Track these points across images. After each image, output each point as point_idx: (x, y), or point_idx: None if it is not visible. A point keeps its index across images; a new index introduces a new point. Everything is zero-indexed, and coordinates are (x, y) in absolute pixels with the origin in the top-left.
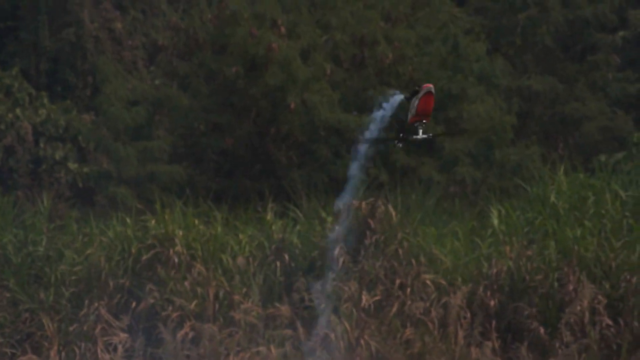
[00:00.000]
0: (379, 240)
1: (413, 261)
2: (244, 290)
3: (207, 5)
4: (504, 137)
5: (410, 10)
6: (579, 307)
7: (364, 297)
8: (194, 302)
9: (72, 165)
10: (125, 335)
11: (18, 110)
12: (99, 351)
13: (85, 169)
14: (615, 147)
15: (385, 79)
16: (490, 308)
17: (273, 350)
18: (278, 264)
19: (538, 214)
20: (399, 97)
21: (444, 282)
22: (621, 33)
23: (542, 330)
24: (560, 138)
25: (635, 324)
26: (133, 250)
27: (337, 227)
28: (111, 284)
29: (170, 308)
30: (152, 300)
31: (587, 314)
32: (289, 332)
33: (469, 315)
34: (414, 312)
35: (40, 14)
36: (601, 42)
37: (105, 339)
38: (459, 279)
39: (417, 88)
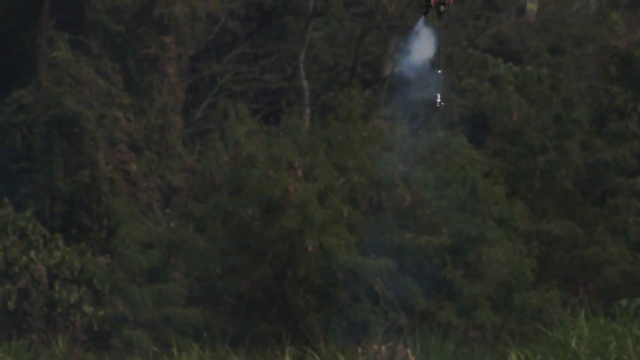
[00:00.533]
0: None
1: None
2: None
3: (222, 147)
4: (524, 281)
5: (428, 152)
6: None
7: None
8: None
9: (88, 309)
10: None
11: (32, 253)
12: None
13: (101, 312)
14: (637, 291)
15: (403, 222)
16: None
17: None
18: None
19: (559, 359)
20: None
21: None
22: None
23: None
24: (581, 282)
25: None
26: None
27: None
28: None
29: None
30: None
31: None
32: None
33: None
34: None
35: (54, 156)
36: (621, 186)
37: None
38: None
39: None
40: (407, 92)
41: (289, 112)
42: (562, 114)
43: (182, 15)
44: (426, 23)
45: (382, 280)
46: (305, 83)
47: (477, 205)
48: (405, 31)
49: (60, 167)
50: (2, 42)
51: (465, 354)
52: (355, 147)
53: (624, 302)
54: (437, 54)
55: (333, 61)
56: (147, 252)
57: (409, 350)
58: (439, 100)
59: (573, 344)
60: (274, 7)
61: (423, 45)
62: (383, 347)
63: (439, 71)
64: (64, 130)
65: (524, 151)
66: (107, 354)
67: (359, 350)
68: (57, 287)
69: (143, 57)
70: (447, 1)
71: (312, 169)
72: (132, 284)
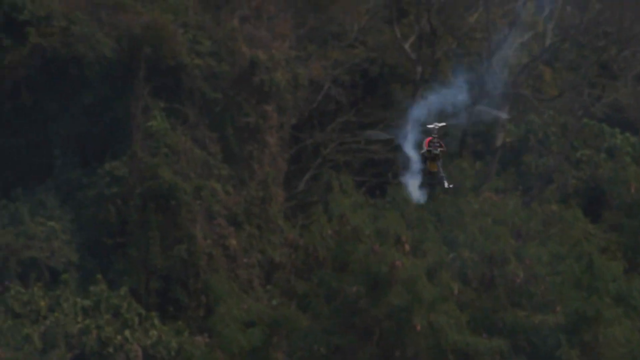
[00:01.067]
0: None
1: None
2: None
3: (326, 220)
4: None
5: (541, 226)
6: None
7: None
8: None
9: None
10: None
11: (127, 332)
12: None
13: None
14: None
15: (516, 299)
16: None
17: None
18: None
19: None
20: None
21: None
22: None
23: None
24: None
25: None
26: None
27: None
28: None
29: None
30: None
31: None
32: None
33: None
34: None
35: (150, 230)
36: None
37: None
38: None
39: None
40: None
41: (395, 184)
42: None
43: (283, 82)
44: None
45: None
46: (412, 153)
47: (593, 281)
48: (518, 99)
49: (156, 242)
50: (96, 110)
51: None
52: (465, 220)
53: None
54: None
55: (442, 131)
56: (248, 331)
57: None
58: (447, 184)
59: None
60: (380, 74)
61: None
62: None
63: (451, 185)
64: (160, 203)
65: None
66: None
67: None
68: None
69: (242, 126)
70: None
71: (420, 243)
72: None
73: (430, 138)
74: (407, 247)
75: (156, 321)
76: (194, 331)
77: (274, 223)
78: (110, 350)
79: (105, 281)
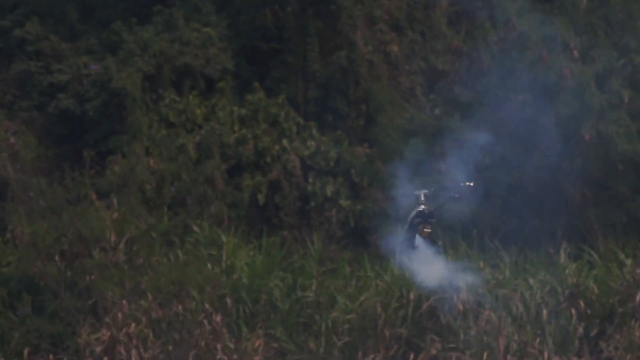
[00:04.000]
0: None
1: None
2: (537, 340)
3: (491, 27)
4: None
5: None
6: None
7: None
8: (484, 354)
9: (344, 202)
10: None
11: (285, 142)
12: None
13: (359, 207)
14: None
15: None
16: None
17: None
18: (573, 311)
19: None
20: None
21: None
22: None
23: None
24: None
25: None
26: (412, 297)
27: (638, 270)
28: (388, 333)
29: None
30: (434, 352)
31: None
32: None
33: None
34: None
35: (309, 36)
36: None
37: None
38: None
39: None
40: None
41: None
42: None
43: None
44: None
45: None
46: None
47: None
48: None
49: (315, 49)
50: None
51: None
52: (637, 25)
53: None
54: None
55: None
56: (410, 142)
57: None
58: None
59: None
60: None
61: None
62: None
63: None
64: (318, 8)
65: None
66: (365, 251)
67: None
68: (311, 180)
69: None
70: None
71: (589, 49)
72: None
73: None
74: (575, 53)
75: (314, 131)
76: (354, 141)
77: (437, 29)
78: (268, 160)
79: (262, 89)
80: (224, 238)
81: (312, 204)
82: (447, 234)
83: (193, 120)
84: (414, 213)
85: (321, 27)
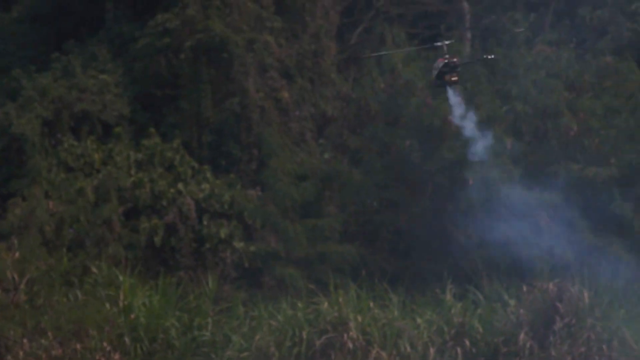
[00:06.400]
0: (568, 325)
1: (604, 347)
2: None
3: (379, 74)
4: None
5: (595, 79)
6: None
7: None
8: None
9: (238, 244)
10: None
11: (180, 185)
12: None
13: (252, 248)
14: None
15: (569, 152)
16: None
17: None
18: (459, 350)
19: None
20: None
21: None
22: None
23: None
24: None
25: None
26: (304, 335)
27: (521, 311)
28: None
29: None
30: None
31: None
32: None
33: None
34: None
35: (202, 83)
36: None
37: None
38: None
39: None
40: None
41: (448, 36)
42: None
43: None
44: None
45: (547, 214)
46: (466, 5)
47: None
48: None
49: (208, 95)
50: None
51: (637, 292)
52: (519, 73)
53: None
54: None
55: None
56: (300, 185)
57: (579, 288)
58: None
59: None
60: None
61: None
62: (550, 285)
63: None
64: (211, 56)
65: None
66: (258, 292)
67: (524, 288)
68: (205, 222)
69: None
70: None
71: (473, 97)
72: (285, 219)
73: (441, 59)
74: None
75: (209, 174)
76: (247, 184)
77: (326, 76)
78: (164, 203)
79: (158, 134)
80: (121, 278)
81: (207, 245)
82: (337, 276)
83: (91, 164)
84: (440, 64)
85: (214, 75)
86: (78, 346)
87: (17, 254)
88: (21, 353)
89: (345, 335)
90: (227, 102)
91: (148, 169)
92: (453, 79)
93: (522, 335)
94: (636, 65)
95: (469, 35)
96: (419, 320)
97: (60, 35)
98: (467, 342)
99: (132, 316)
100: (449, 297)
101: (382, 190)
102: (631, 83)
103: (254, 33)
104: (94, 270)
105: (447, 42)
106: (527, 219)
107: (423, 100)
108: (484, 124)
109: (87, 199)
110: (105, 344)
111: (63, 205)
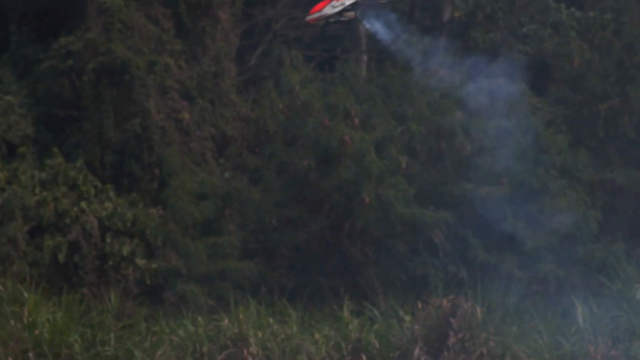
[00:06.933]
0: (462, 340)
1: None
2: None
3: (277, 95)
4: (588, 233)
5: (488, 100)
6: None
7: None
8: None
9: (140, 261)
10: None
11: (83, 204)
12: None
13: (154, 265)
14: None
15: (463, 172)
16: None
17: None
18: None
19: (624, 312)
20: None
21: None
22: None
23: None
24: None
25: None
26: (205, 351)
27: (416, 326)
28: None
29: None
30: None
31: None
32: None
33: None
34: None
35: (104, 104)
36: None
37: None
38: None
39: None
40: (467, 38)
41: (345, 59)
42: (624, 59)
43: None
44: None
45: (441, 232)
46: (362, 29)
47: (539, 154)
48: None
49: (110, 116)
50: None
51: (528, 308)
52: (413, 94)
53: None
54: None
55: (390, 6)
56: (201, 204)
57: (472, 304)
58: None
59: (638, 297)
60: None
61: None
62: (444, 301)
63: None
64: (113, 78)
65: (586, 98)
66: (160, 308)
67: (419, 304)
68: (108, 240)
69: (195, 2)
70: None
71: (369, 117)
72: (186, 237)
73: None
74: (356, 121)
75: (111, 193)
76: (148, 203)
77: (226, 97)
78: (67, 221)
79: (61, 154)
80: (26, 295)
81: (110, 262)
82: (237, 292)
83: None
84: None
85: (116, 96)
86: None
87: None
88: None
89: (246, 351)
90: (128, 123)
91: (52, 187)
92: (350, 14)
93: (417, 350)
94: (527, 87)
95: (365, 57)
96: (317, 336)
97: None
98: (364, 357)
99: (37, 332)
100: (346, 313)
101: (281, 209)
102: (522, 104)
103: (154, 55)
104: None
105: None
106: (421, 237)
107: (320, 121)
108: (379, 143)
109: None
110: (10, 359)
111: None
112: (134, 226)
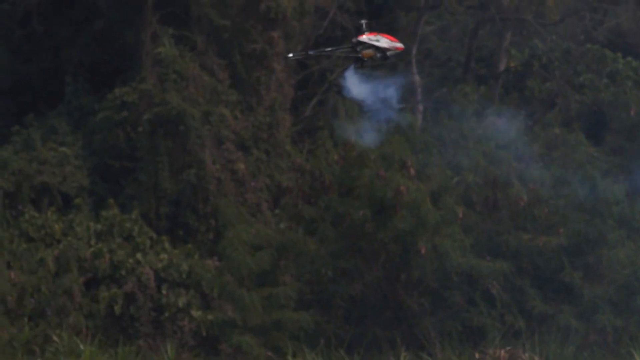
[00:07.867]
0: None
1: None
2: None
3: (332, 145)
4: None
5: (545, 149)
6: None
7: None
8: None
9: (196, 313)
10: None
11: (139, 255)
12: None
13: (209, 317)
14: None
15: (519, 222)
16: None
17: None
18: None
19: None
20: None
21: None
22: None
23: None
24: None
25: None
26: None
27: None
28: None
29: None
30: None
31: None
32: None
33: None
34: None
35: (159, 155)
36: None
37: None
38: None
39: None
40: (522, 88)
41: (400, 109)
42: None
43: (289, 9)
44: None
45: (498, 282)
46: (417, 79)
47: (596, 204)
48: (521, 24)
49: (165, 167)
50: (106, 37)
51: (586, 358)
52: (469, 145)
53: None
54: None
55: (446, 56)
56: (256, 255)
57: (530, 355)
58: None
59: None
60: (385, 0)
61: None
62: (502, 351)
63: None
64: (168, 129)
65: None
66: (216, 359)
67: (476, 355)
68: (164, 291)
69: (250, 52)
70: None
71: (424, 168)
72: (241, 288)
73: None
74: (412, 171)
75: (167, 245)
76: (204, 254)
77: (281, 148)
78: (123, 273)
79: (117, 206)
80: (82, 347)
81: (166, 314)
82: (293, 343)
83: (52, 235)
84: (356, 40)
85: (171, 147)
86: None
87: None
88: None
89: None
90: (184, 174)
91: (107, 239)
92: (368, 52)
93: None
94: (584, 137)
95: (420, 107)
96: None
97: (20, 109)
98: None
99: None
100: None
101: (336, 259)
102: (579, 154)
103: (210, 106)
104: (55, 339)
105: (365, 22)
106: (478, 287)
107: (375, 172)
108: (435, 194)
109: (48, 269)
110: None
111: (24, 275)
112: (189, 277)
